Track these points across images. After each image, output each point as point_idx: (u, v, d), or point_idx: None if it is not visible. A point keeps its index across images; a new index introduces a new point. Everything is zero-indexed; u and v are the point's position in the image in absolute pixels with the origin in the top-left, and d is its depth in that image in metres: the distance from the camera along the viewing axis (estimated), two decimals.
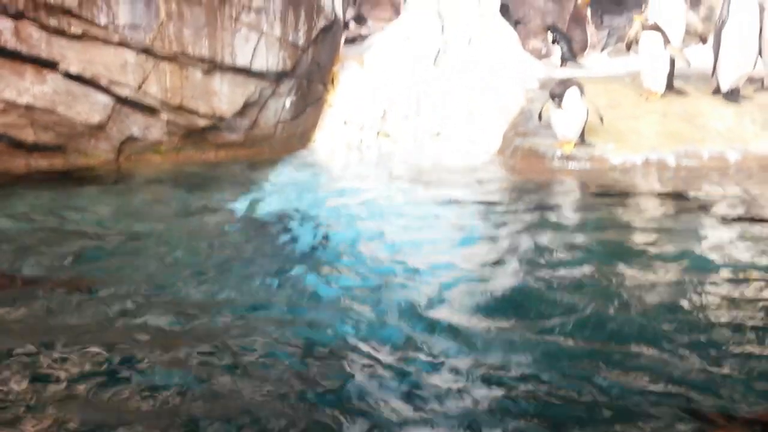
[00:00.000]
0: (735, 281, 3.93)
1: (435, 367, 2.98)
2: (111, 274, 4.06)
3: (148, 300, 3.66)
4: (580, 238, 4.83)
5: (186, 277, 4.05)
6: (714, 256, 4.37)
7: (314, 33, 8.03)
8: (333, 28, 8.43)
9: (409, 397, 2.75)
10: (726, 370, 2.90)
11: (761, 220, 5.17)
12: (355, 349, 3.14)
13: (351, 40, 11.48)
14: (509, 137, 8.04)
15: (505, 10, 11.01)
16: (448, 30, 9.04)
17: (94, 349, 3.05)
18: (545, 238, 4.80)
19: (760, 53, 8.02)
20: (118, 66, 6.86)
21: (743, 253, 4.43)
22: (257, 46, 7.49)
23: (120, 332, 3.27)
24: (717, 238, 4.79)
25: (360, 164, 7.81)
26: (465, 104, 8.52)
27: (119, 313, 3.48)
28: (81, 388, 2.76)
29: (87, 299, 3.65)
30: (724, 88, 8.03)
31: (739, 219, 5.23)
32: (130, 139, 7.26)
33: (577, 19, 11.58)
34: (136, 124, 7.21)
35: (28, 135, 6.78)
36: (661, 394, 2.73)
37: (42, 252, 4.42)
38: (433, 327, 3.34)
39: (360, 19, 12.90)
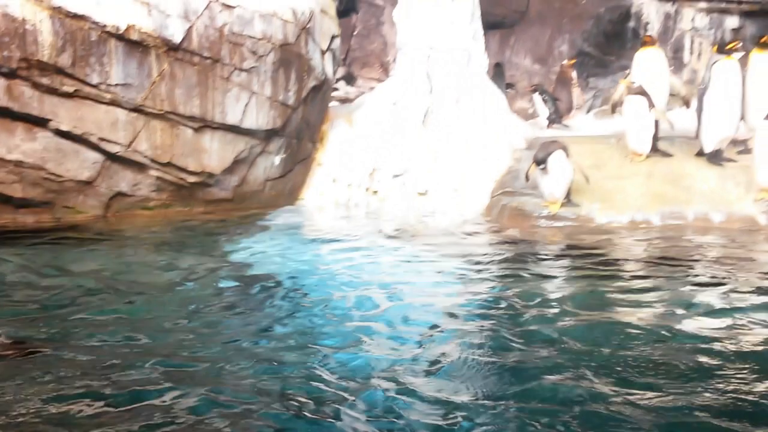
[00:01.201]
0: (709, 349, 3.93)
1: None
2: (67, 334, 4.01)
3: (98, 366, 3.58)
4: (563, 298, 4.84)
5: (162, 339, 4.02)
6: (694, 323, 4.38)
7: (304, 92, 8.16)
8: (323, 87, 8.57)
9: None
10: None
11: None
12: (333, 414, 3.11)
13: (341, 100, 11.68)
14: (496, 196, 8.12)
15: (499, 72, 11.25)
16: (437, 90, 9.19)
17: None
18: (529, 299, 4.81)
19: (742, 117, 8.18)
20: (108, 124, 6.93)
21: (722, 321, 4.44)
22: (248, 105, 7.60)
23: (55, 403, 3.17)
24: (698, 303, 4.80)
25: (348, 222, 7.85)
26: (452, 163, 8.63)
27: (59, 381, 3.38)
28: None
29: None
30: (708, 150, 8.15)
31: (720, 283, 5.25)
32: (119, 195, 7.29)
33: (563, 80, 11.81)
34: (125, 181, 7.25)
35: (16, 191, 6.81)
36: None
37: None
38: (413, 392, 3.32)
39: (350, 79, 13.14)
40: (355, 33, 13.90)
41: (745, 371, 3.57)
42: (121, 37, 6.77)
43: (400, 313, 4.57)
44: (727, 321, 4.38)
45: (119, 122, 6.97)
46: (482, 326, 4.32)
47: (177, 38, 7.01)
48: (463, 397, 3.27)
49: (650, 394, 3.26)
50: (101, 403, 3.11)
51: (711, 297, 4.94)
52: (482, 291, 5.16)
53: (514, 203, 7.73)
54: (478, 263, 5.95)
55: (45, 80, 6.56)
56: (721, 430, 2.93)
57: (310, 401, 3.20)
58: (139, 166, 7.24)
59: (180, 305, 4.66)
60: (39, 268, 5.47)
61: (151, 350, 3.79)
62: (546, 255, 6.34)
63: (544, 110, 10.99)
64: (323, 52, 8.53)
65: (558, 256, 6.29)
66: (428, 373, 3.55)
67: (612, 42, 12.57)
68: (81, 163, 6.96)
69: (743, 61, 8.30)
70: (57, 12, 6.48)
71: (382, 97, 9.37)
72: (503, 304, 4.71)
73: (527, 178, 7.68)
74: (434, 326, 4.33)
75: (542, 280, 5.38)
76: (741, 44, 8.48)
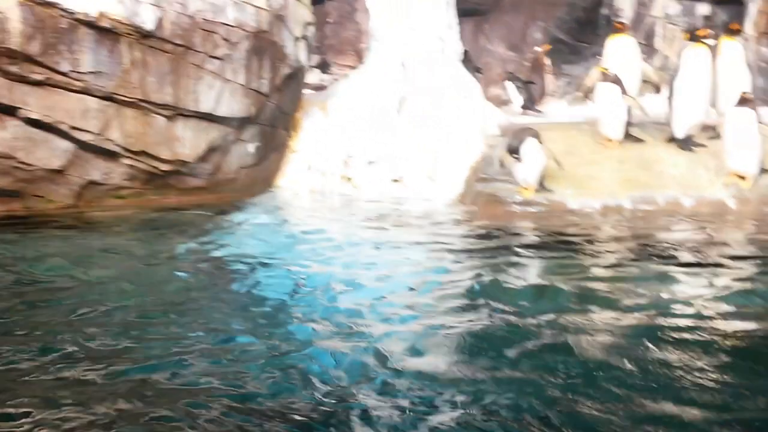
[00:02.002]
0: (686, 325, 4.00)
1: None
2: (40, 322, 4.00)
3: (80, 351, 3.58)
4: (539, 282, 4.91)
5: (138, 324, 4.01)
6: (668, 301, 4.45)
7: (278, 80, 8.13)
8: (297, 75, 8.54)
9: None
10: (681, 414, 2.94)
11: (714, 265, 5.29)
12: (321, 398, 3.13)
13: (316, 87, 11.65)
14: (470, 183, 8.16)
15: (466, 58, 11.25)
16: (410, 78, 9.19)
17: None
18: (502, 282, 4.86)
19: (712, 103, 8.29)
20: (79, 112, 6.85)
21: (693, 300, 4.51)
22: (221, 92, 7.55)
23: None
24: (672, 283, 4.88)
25: (322, 209, 7.85)
26: (427, 150, 8.64)
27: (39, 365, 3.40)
28: None
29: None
30: (679, 135, 8.26)
31: (696, 264, 5.33)
32: (91, 184, 7.22)
33: (537, 67, 11.87)
34: (97, 169, 7.19)
35: None
36: None
37: None
38: (399, 373, 3.35)
39: (324, 67, 13.10)
40: (329, 20, 13.86)
41: (711, 348, 3.65)
42: (91, 25, 6.69)
43: (374, 297, 4.60)
44: (697, 303, 4.46)
45: (90, 110, 6.90)
46: (456, 308, 4.36)
47: (149, 25, 6.94)
48: (442, 375, 3.31)
49: (616, 372, 3.32)
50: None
51: (682, 279, 5.03)
52: (455, 275, 5.19)
53: (488, 189, 7.77)
54: (451, 248, 5.99)
55: (14, 68, 6.46)
56: (684, 411, 3.00)
57: (286, 383, 3.22)
58: (111, 155, 7.18)
59: (150, 292, 4.65)
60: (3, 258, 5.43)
61: (121, 334, 3.78)
62: (519, 240, 6.39)
63: (517, 97, 11.04)
64: (297, 40, 8.49)
65: (531, 241, 6.35)
66: (404, 355, 3.58)
67: (585, 29, 12.66)
68: (51, 152, 6.89)
69: (714, 48, 8.40)
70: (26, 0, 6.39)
71: (357, 84, 9.36)
72: (477, 288, 4.75)
73: (501, 164, 7.72)
74: (409, 307, 4.37)
75: (516, 263, 5.43)
76: (712, 31, 8.60)
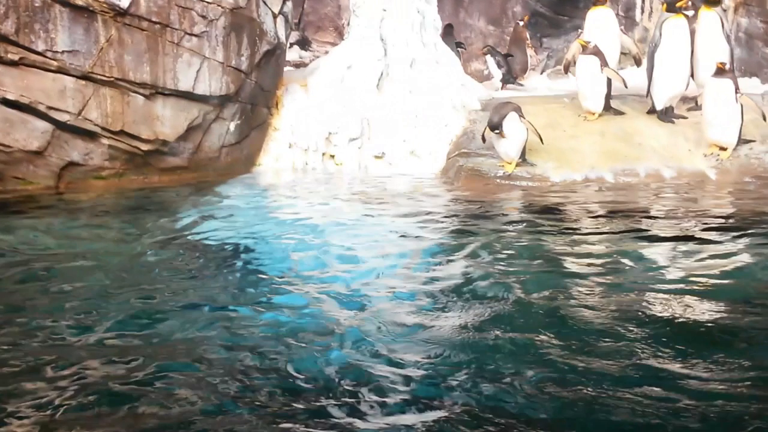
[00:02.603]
0: (671, 299, 4.04)
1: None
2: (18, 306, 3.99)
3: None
4: (518, 254, 4.94)
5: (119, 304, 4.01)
6: (646, 275, 4.49)
7: (257, 57, 8.06)
8: (276, 52, 8.47)
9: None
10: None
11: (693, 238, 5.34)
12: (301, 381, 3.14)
13: (296, 64, 11.56)
14: (452, 158, 8.16)
15: (449, 32, 11.21)
16: (391, 53, 9.14)
17: None
18: (485, 254, 4.90)
19: (692, 74, 8.31)
20: (57, 92, 6.78)
21: (679, 271, 4.56)
22: (200, 70, 7.48)
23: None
24: (650, 256, 4.93)
25: (305, 187, 7.82)
26: (408, 126, 8.63)
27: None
28: None
29: None
30: (658, 107, 8.29)
31: (681, 237, 5.38)
32: (71, 165, 7.16)
33: (518, 41, 11.83)
34: (76, 150, 7.12)
35: None
36: None
37: None
38: (377, 354, 3.37)
39: (304, 43, 12.99)
40: None
41: (692, 318, 3.70)
42: (65, 3, 6.60)
43: (358, 274, 4.62)
44: (677, 273, 4.51)
45: (67, 90, 6.83)
46: (440, 283, 4.39)
47: (124, 3, 6.85)
48: (425, 354, 3.33)
49: (602, 344, 3.36)
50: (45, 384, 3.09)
51: (662, 249, 5.08)
52: (439, 249, 5.23)
53: (470, 164, 7.79)
54: (435, 223, 6.01)
55: None
56: (664, 372, 3.03)
57: (273, 365, 3.23)
58: (91, 135, 7.11)
59: (134, 273, 4.63)
60: None
61: (104, 316, 3.78)
62: (502, 213, 6.43)
63: (497, 71, 11.02)
64: (275, 16, 8.40)
65: (513, 215, 6.38)
66: (390, 335, 3.59)
67: (565, 2, 12.61)
68: (30, 133, 6.82)
69: (692, 19, 8.41)
70: None
71: (337, 61, 9.29)
72: (460, 262, 4.79)
73: (483, 139, 7.73)
74: (392, 287, 4.38)
75: (498, 236, 5.46)
76: (690, 2, 8.59)
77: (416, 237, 5.58)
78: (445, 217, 6.29)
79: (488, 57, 11.12)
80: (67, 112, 6.87)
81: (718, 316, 3.76)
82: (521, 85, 11.15)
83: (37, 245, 5.32)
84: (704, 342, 3.39)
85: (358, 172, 8.38)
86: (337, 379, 3.06)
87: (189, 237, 5.59)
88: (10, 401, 2.83)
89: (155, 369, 3.12)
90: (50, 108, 6.78)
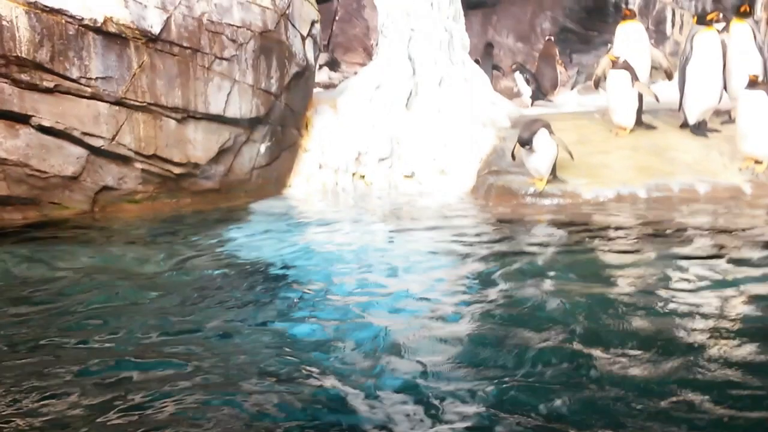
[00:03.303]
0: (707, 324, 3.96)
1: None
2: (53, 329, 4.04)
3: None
4: (554, 272, 4.88)
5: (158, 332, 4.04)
6: (686, 295, 4.41)
7: (287, 79, 8.13)
8: (305, 73, 8.54)
9: None
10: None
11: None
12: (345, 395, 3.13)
13: (326, 86, 11.66)
14: (483, 176, 8.14)
15: (489, 52, 11.25)
16: (419, 72, 9.17)
17: None
18: (520, 273, 4.85)
19: (724, 87, 8.22)
20: (91, 118, 6.90)
21: (714, 289, 4.47)
22: (230, 93, 7.57)
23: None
24: (690, 275, 4.83)
25: (337, 207, 7.85)
26: (438, 145, 8.63)
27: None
28: None
29: None
30: (691, 121, 8.20)
31: (710, 255, 5.28)
32: (105, 189, 7.27)
33: (547, 57, 11.81)
34: (110, 174, 7.23)
35: (2, 189, 6.78)
36: None
37: None
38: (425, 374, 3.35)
39: (334, 64, 13.10)
40: (337, 18, 13.86)
41: (734, 344, 3.61)
42: (98, 30, 6.73)
43: (397, 292, 4.62)
44: (718, 292, 4.41)
45: (101, 116, 6.94)
46: (478, 301, 4.37)
47: (155, 29, 6.97)
48: (464, 369, 3.32)
49: (641, 366, 3.30)
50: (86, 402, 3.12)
51: (702, 268, 4.97)
52: (474, 268, 5.20)
53: (500, 182, 7.75)
54: (468, 241, 5.97)
55: (24, 76, 6.52)
56: (705, 404, 2.97)
57: (323, 378, 3.22)
58: (124, 160, 7.21)
59: (172, 296, 4.66)
60: (25, 265, 5.47)
61: (139, 342, 3.81)
62: (534, 231, 6.37)
63: (526, 88, 11.00)
64: (304, 38, 8.49)
65: (546, 232, 6.32)
66: (433, 351, 3.58)
67: (594, 17, 12.58)
68: (65, 159, 6.94)
69: (724, 32, 8.33)
70: (33, 7, 6.42)
71: (365, 81, 9.35)
72: (496, 280, 4.75)
73: (513, 157, 7.69)
74: (433, 302, 4.37)
75: (532, 255, 5.40)
76: (721, 14, 8.52)
77: (450, 256, 5.56)
78: (477, 235, 6.24)
79: (517, 74, 11.11)
80: (102, 137, 6.98)
81: (754, 347, 3.66)
82: (550, 101, 11.11)
83: (73, 269, 5.38)
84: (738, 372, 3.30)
85: (389, 191, 8.38)
86: (382, 398, 3.05)
87: (222, 258, 5.63)
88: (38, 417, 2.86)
89: (190, 392, 3.13)
90: (85, 134, 6.90)
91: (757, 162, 7.47)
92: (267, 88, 7.87)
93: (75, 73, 6.71)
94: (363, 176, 8.62)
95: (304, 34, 8.50)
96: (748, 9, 8.90)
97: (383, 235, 6.35)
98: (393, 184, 8.51)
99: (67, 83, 6.72)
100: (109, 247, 6.09)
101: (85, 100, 6.85)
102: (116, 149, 7.10)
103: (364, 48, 13.33)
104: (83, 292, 4.74)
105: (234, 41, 7.48)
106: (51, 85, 6.65)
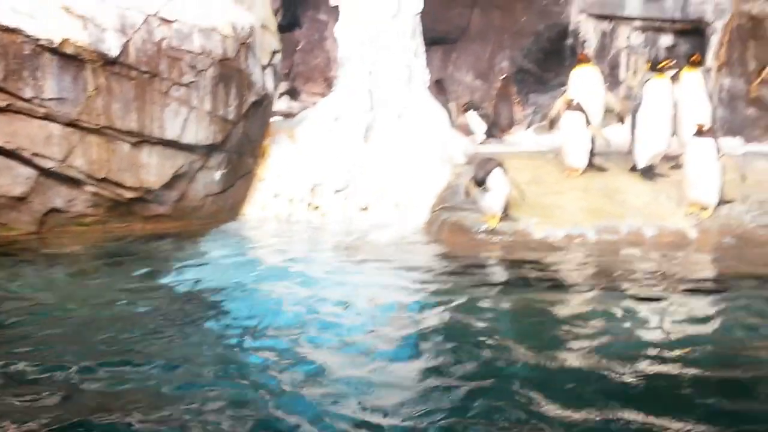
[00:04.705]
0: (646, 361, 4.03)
1: None
2: None
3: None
4: (499, 309, 4.96)
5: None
6: (630, 335, 4.49)
7: (245, 107, 8.12)
8: (264, 102, 8.55)
9: None
10: None
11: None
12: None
13: (285, 114, 11.66)
14: (437, 211, 8.19)
15: (440, 88, 11.37)
16: (378, 106, 9.24)
17: None
18: (467, 309, 4.91)
19: (674, 133, 8.43)
20: (42, 138, 6.81)
21: (656, 332, 4.57)
22: (187, 119, 7.54)
23: None
24: (634, 314, 4.93)
25: (289, 237, 7.82)
26: (394, 179, 8.67)
27: None
28: None
29: None
30: (641, 165, 8.38)
31: (653, 298, 5.39)
32: (54, 212, 7.15)
33: (504, 96, 12.00)
34: (59, 197, 7.12)
35: None
36: None
37: None
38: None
39: (294, 94, 13.13)
40: (298, 48, 13.90)
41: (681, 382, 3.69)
42: (55, 51, 6.67)
43: (344, 324, 4.63)
44: (659, 334, 4.51)
45: (53, 137, 6.85)
46: (422, 335, 4.40)
47: (113, 52, 6.93)
48: (405, 404, 3.32)
49: (579, 404, 3.34)
50: None
51: (641, 309, 5.08)
52: (421, 303, 5.23)
53: (453, 218, 7.81)
54: (417, 277, 6.01)
55: None
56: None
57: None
58: (75, 182, 7.12)
59: (112, 326, 4.59)
60: None
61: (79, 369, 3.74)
62: (483, 268, 6.43)
63: (479, 126, 11.14)
64: (264, 68, 8.51)
65: (494, 270, 6.39)
66: (369, 388, 3.59)
67: (551, 59, 12.81)
68: (13, 179, 6.82)
69: (675, 79, 8.56)
70: None
71: (324, 112, 9.38)
72: (443, 316, 4.80)
73: (467, 194, 7.76)
74: (377, 336, 4.38)
75: (479, 291, 5.47)
76: (674, 62, 8.76)
77: (399, 290, 5.58)
78: (427, 271, 6.28)
79: (470, 112, 11.25)
80: (52, 158, 6.88)
81: (694, 377, 3.76)
82: (501, 140, 11.29)
83: (13, 295, 5.27)
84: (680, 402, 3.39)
85: (343, 223, 8.38)
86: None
87: (169, 287, 5.56)
88: None
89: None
90: (35, 154, 6.80)
91: (702, 208, 7.64)
92: (224, 116, 7.85)
93: (28, 93, 6.63)
94: (317, 207, 8.62)
95: (265, 63, 8.52)
96: (699, 58, 9.19)
97: (332, 267, 6.36)
98: (347, 216, 8.52)
99: (20, 102, 6.64)
100: (49, 273, 5.97)
101: (37, 120, 6.76)
102: (67, 171, 7.00)
103: (324, 78, 13.38)
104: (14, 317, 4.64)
105: (193, 68, 7.46)
106: (3, 104, 6.57)
